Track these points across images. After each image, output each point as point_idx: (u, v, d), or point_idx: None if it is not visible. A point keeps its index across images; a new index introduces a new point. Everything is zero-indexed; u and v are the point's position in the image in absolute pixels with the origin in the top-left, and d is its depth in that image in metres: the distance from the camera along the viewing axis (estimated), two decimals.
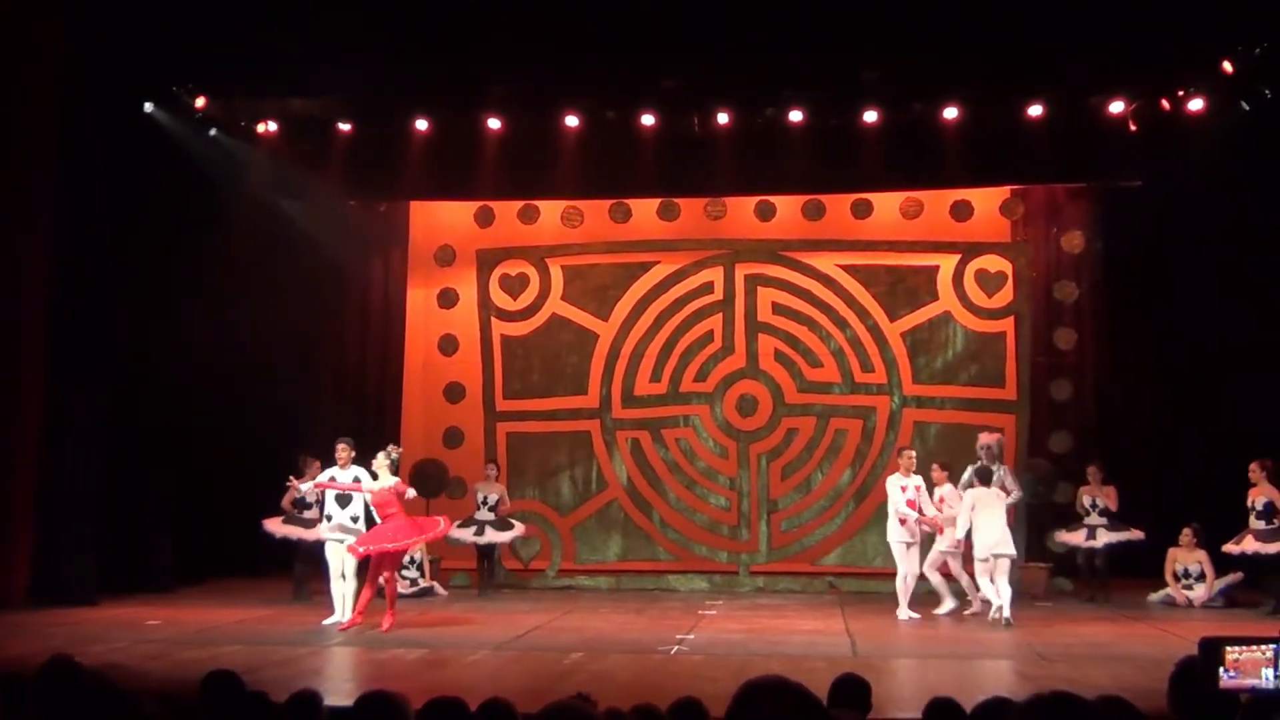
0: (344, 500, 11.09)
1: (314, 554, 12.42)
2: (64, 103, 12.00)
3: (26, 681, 3.99)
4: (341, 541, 10.96)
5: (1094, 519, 12.80)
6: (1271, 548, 11.67)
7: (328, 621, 10.83)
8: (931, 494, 12.01)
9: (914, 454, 12.19)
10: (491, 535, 13.51)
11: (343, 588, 10.97)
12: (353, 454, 11.15)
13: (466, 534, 13.42)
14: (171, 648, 9.35)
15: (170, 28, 12.12)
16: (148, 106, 12.88)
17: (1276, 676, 2.99)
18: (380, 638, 10.20)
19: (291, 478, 11.75)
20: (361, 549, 10.58)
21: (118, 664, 7.91)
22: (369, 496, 10.81)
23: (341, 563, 10.98)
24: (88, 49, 11.98)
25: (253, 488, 13.43)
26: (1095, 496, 12.88)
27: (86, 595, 11.71)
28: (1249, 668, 3.01)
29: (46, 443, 12.01)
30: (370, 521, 11.00)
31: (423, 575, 13.32)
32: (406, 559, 13.27)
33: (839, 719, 4.24)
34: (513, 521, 13.62)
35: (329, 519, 11.15)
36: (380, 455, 10.79)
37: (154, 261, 12.94)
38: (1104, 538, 12.67)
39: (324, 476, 11.21)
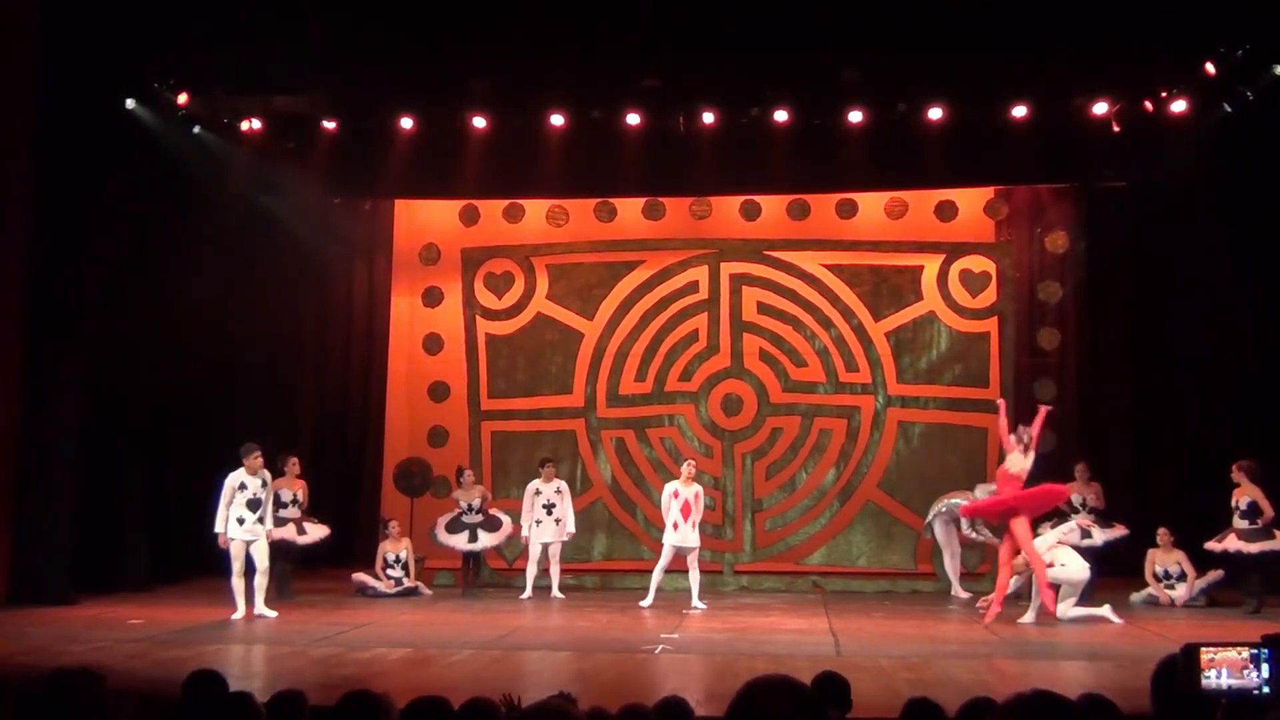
0: (255, 505, 11.26)
1: (291, 552, 12.55)
2: (40, 99, 11.85)
3: (7, 681, 3.95)
4: (253, 540, 11.17)
5: (1083, 517, 12.81)
6: (1253, 547, 11.73)
7: (235, 617, 11.01)
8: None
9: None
10: (485, 539, 13.40)
11: (242, 584, 11.18)
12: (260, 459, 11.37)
13: (459, 540, 13.33)
14: (153, 647, 9.30)
15: (152, 23, 12.02)
16: (129, 103, 12.74)
17: (1258, 678, 3.01)
18: (364, 638, 10.15)
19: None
20: None
21: (100, 663, 7.87)
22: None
23: (243, 560, 11.19)
24: (65, 44, 11.85)
25: None
26: (1083, 494, 12.90)
27: (65, 594, 11.64)
28: (1230, 669, 3.02)
29: (22, 442, 11.92)
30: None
31: (407, 575, 13.26)
32: (392, 557, 13.23)
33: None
34: (501, 518, 13.53)
35: (240, 522, 11.25)
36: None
37: (134, 261, 12.83)
38: (1098, 536, 12.67)
39: (233, 482, 11.27)
